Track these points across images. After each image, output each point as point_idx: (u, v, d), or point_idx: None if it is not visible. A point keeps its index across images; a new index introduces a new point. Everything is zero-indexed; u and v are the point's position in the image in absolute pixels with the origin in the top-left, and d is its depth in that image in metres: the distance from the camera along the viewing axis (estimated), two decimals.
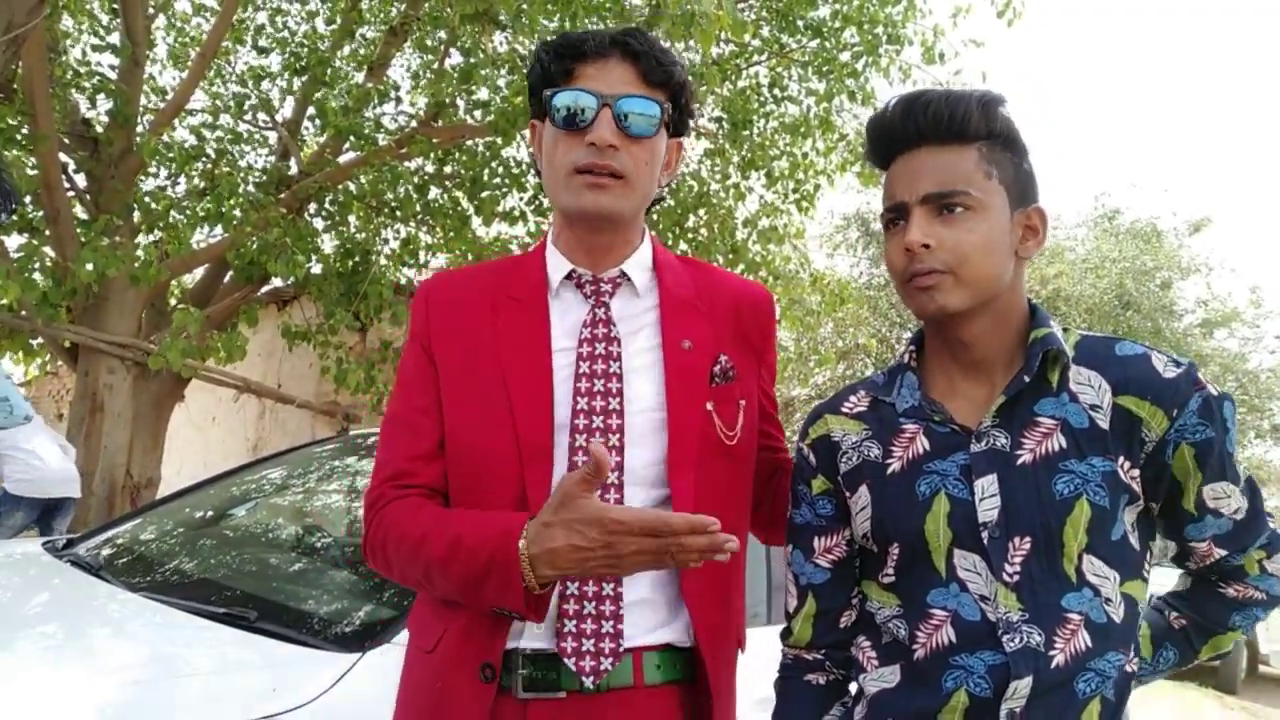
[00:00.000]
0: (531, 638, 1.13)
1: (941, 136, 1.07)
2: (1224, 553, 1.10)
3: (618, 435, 1.15)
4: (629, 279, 1.24)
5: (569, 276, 1.24)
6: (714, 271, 1.34)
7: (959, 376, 1.12)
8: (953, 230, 1.05)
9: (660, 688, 1.14)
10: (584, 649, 1.10)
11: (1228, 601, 1.14)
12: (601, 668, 1.10)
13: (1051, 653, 1.00)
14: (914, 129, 1.08)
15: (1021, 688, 0.99)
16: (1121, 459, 1.03)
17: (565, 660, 1.10)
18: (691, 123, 1.30)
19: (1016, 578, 1.02)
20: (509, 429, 1.15)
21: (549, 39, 1.24)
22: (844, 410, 1.19)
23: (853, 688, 1.17)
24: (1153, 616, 1.19)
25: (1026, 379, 1.05)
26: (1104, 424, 1.04)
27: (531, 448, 1.14)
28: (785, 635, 1.21)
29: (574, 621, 1.11)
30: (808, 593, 1.18)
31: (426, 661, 1.20)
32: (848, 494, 1.15)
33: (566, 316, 1.23)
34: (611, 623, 1.11)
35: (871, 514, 1.12)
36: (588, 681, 1.10)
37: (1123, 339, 1.10)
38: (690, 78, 1.24)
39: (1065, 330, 1.11)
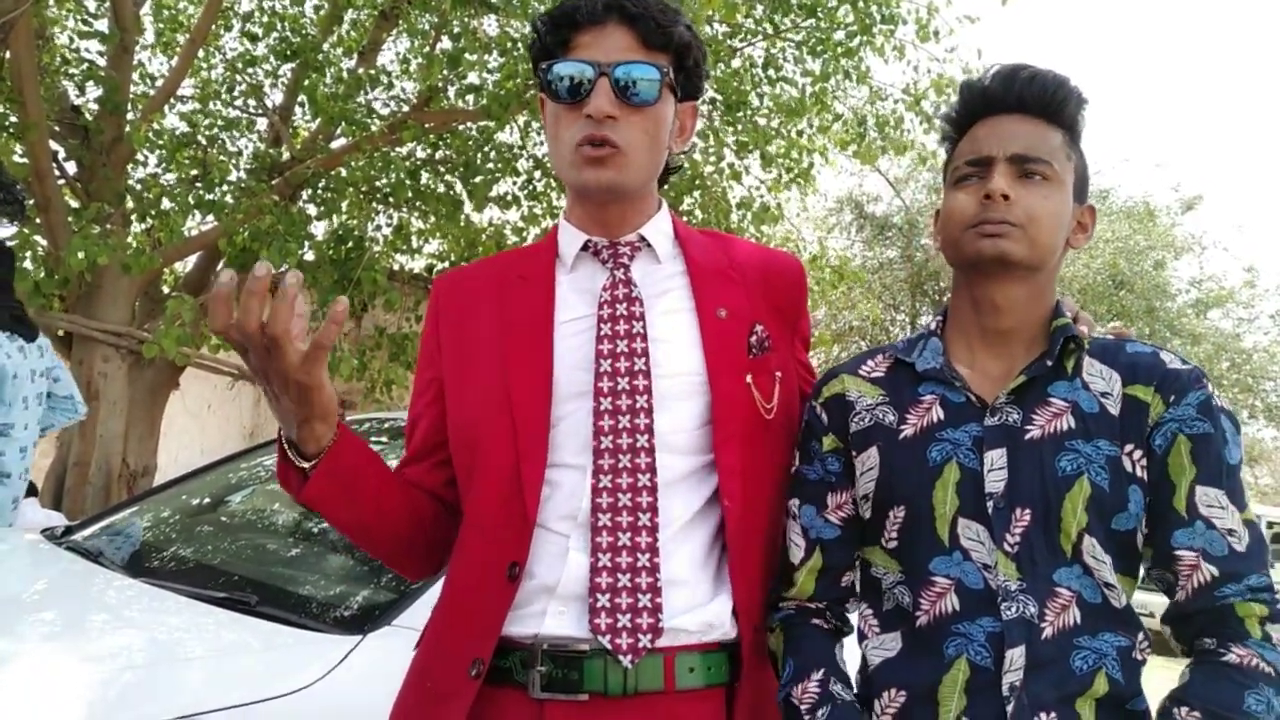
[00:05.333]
0: (556, 622, 1.06)
1: (1039, 110, 1.11)
2: (1214, 572, 1.01)
3: (645, 397, 1.11)
4: (648, 244, 1.21)
5: (585, 247, 1.21)
6: (739, 242, 1.30)
7: (979, 346, 1.14)
8: (1030, 193, 1.08)
9: (695, 693, 1.06)
10: (620, 625, 1.03)
11: (1234, 676, 0.99)
12: (640, 645, 1.03)
13: (1042, 624, 1.02)
14: (1015, 97, 1.12)
15: (1016, 657, 1.01)
16: (1130, 447, 1.05)
17: (600, 638, 1.03)
18: (704, 84, 1.25)
19: (1017, 548, 1.04)
20: (505, 409, 1.12)
21: (544, 11, 1.20)
22: (861, 373, 1.20)
23: (856, 656, 1.17)
24: None
25: (1049, 363, 1.08)
26: (1114, 410, 1.06)
27: (525, 422, 1.11)
28: (784, 586, 1.20)
29: (608, 595, 1.05)
30: (816, 546, 1.18)
31: (417, 656, 1.17)
32: (854, 453, 1.16)
33: (585, 285, 1.20)
34: (649, 596, 1.05)
35: (878, 475, 1.13)
36: (625, 660, 1.02)
37: (1134, 340, 1.13)
38: (696, 37, 1.19)
39: None
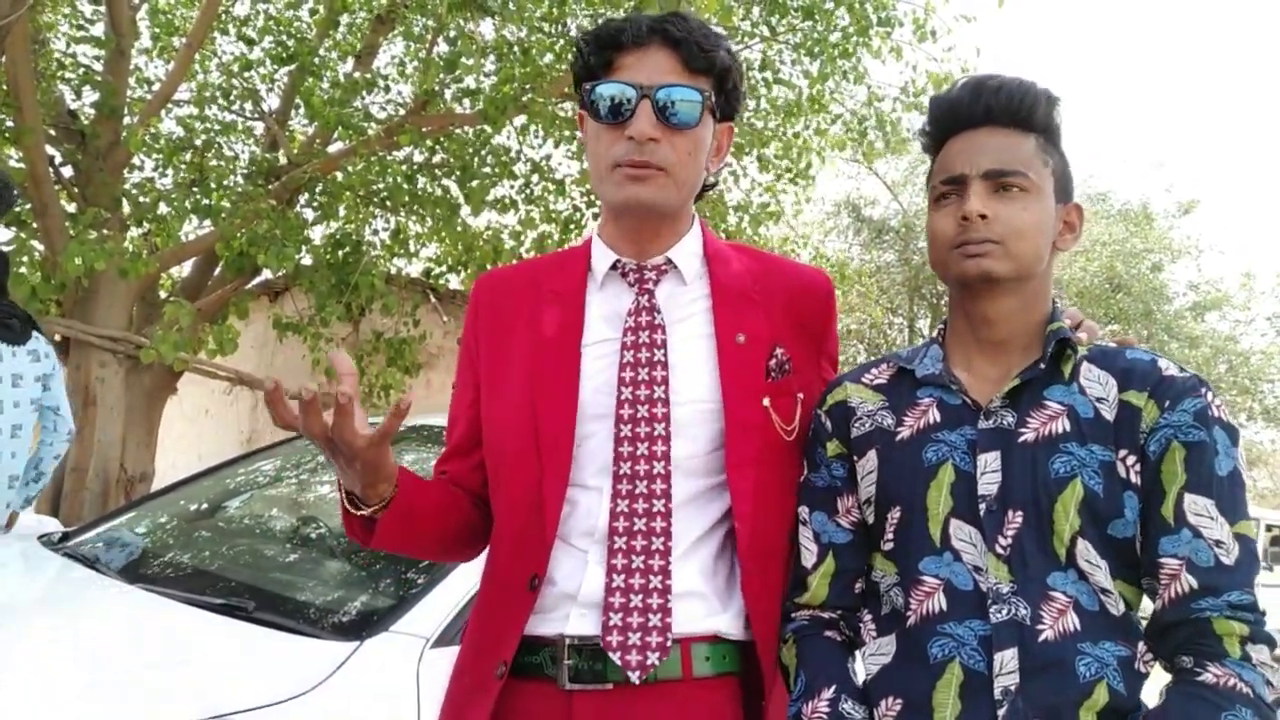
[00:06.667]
0: (579, 623, 1.12)
1: (1008, 119, 1.11)
2: (1194, 584, 0.98)
3: (663, 425, 1.14)
4: (675, 267, 1.23)
5: (614, 267, 1.23)
6: (771, 259, 1.32)
7: (976, 353, 1.15)
8: (1008, 207, 1.08)
9: (710, 680, 1.13)
10: (630, 642, 1.09)
11: (1210, 697, 0.95)
12: (648, 662, 1.08)
13: (1039, 627, 1.01)
14: (982, 109, 1.12)
15: (1007, 660, 1.00)
16: (1124, 453, 1.05)
17: (611, 655, 1.09)
18: (742, 105, 1.27)
19: (1008, 550, 1.04)
20: (531, 426, 1.17)
21: (588, 29, 1.22)
22: (864, 381, 1.21)
23: (860, 669, 1.17)
24: None
25: (1042, 366, 1.08)
26: (1109, 416, 1.06)
27: (550, 442, 1.15)
28: (798, 592, 1.20)
29: (620, 614, 1.10)
30: (829, 551, 1.19)
31: (459, 654, 1.23)
32: (856, 458, 1.18)
33: (611, 307, 1.22)
34: (659, 616, 1.10)
35: (877, 478, 1.14)
36: (634, 676, 1.08)
37: (1136, 348, 1.12)
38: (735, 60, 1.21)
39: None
